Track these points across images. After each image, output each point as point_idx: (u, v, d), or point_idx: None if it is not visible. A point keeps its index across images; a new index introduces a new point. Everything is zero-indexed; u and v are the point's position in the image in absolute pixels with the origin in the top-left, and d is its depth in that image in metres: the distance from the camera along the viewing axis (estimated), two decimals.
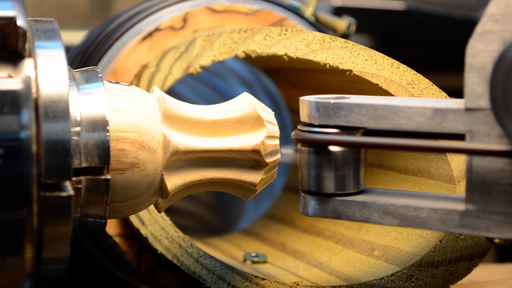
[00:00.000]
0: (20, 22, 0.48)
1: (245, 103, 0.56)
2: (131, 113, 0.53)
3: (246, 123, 0.56)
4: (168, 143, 0.54)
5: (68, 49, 0.62)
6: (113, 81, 0.55)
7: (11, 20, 0.48)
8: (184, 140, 0.54)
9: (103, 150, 0.52)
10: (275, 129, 0.56)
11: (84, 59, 0.71)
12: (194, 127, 0.55)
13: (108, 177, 0.52)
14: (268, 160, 0.56)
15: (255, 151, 0.56)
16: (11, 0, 0.50)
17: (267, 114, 0.56)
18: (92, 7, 1.45)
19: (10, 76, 0.49)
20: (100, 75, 0.54)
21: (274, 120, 0.56)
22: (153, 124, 0.53)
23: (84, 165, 0.51)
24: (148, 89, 0.65)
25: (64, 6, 1.44)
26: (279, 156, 0.56)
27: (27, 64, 0.50)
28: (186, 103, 0.56)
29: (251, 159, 0.56)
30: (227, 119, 0.56)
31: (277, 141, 0.56)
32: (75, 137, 0.51)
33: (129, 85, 0.55)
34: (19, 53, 0.49)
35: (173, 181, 0.54)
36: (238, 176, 0.56)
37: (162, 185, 0.54)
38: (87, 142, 0.51)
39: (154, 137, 0.53)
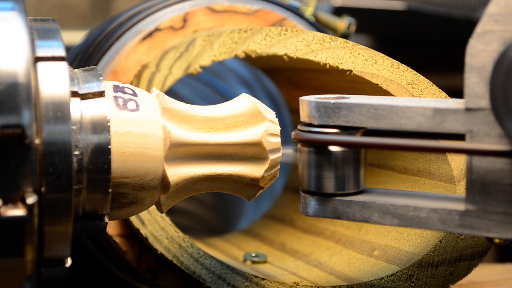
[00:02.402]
0: (27, 135, 0.48)
1: (254, 124, 0.56)
2: (134, 156, 0.52)
3: (250, 152, 0.56)
4: (168, 183, 0.54)
5: (68, 49, 0.62)
6: (120, 100, 0.53)
7: (19, 130, 0.48)
8: (185, 171, 0.55)
9: (104, 202, 0.52)
10: (276, 127, 0.56)
11: (84, 59, 0.71)
12: (198, 151, 0.55)
13: (106, 221, 0.53)
14: (271, 156, 0.56)
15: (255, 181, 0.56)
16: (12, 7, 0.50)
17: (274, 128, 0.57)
18: (92, 7, 1.45)
19: (16, 166, 0.48)
20: (103, 89, 0.53)
21: (275, 120, 0.56)
22: (155, 163, 0.53)
23: (81, 213, 0.52)
24: (148, 89, 0.65)
25: (64, 6, 1.44)
26: (280, 154, 0.56)
27: (34, 154, 0.49)
28: (190, 114, 0.55)
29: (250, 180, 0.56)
30: (232, 143, 0.55)
31: (278, 139, 0.56)
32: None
33: (136, 107, 0.53)
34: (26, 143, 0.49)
35: (169, 203, 0.56)
36: (238, 172, 0.57)
37: (158, 205, 0.55)
38: (87, 197, 0.51)
39: (155, 176, 0.53)
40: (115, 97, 0.53)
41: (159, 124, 0.53)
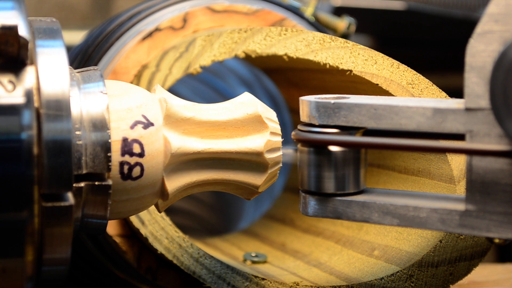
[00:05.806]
0: (21, 32, 0.48)
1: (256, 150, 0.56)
2: (129, 212, 0.54)
3: (251, 160, 0.56)
4: (159, 211, 0.56)
5: (68, 49, 0.62)
6: (126, 167, 0.51)
7: (12, 30, 0.48)
8: (176, 197, 0.55)
9: (104, 164, 0.51)
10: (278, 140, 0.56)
11: (84, 59, 0.71)
12: (195, 182, 0.55)
13: (110, 183, 0.51)
14: (271, 168, 0.56)
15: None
16: (12, 6, 0.49)
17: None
18: (92, 7, 1.45)
19: (11, 82, 0.48)
20: (105, 92, 0.52)
21: (278, 130, 0.56)
22: (151, 204, 0.55)
23: (81, 214, 0.52)
24: (148, 88, 0.65)
25: (64, 6, 1.44)
26: (280, 165, 0.56)
27: (29, 72, 0.49)
28: (194, 151, 0.54)
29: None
30: (229, 180, 0.56)
31: (279, 152, 0.56)
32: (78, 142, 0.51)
33: (141, 172, 0.52)
34: (21, 60, 0.48)
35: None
36: (237, 179, 0.57)
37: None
38: (87, 143, 0.51)
39: (150, 206, 0.55)
40: (121, 164, 0.51)
41: (159, 182, 0.53)
